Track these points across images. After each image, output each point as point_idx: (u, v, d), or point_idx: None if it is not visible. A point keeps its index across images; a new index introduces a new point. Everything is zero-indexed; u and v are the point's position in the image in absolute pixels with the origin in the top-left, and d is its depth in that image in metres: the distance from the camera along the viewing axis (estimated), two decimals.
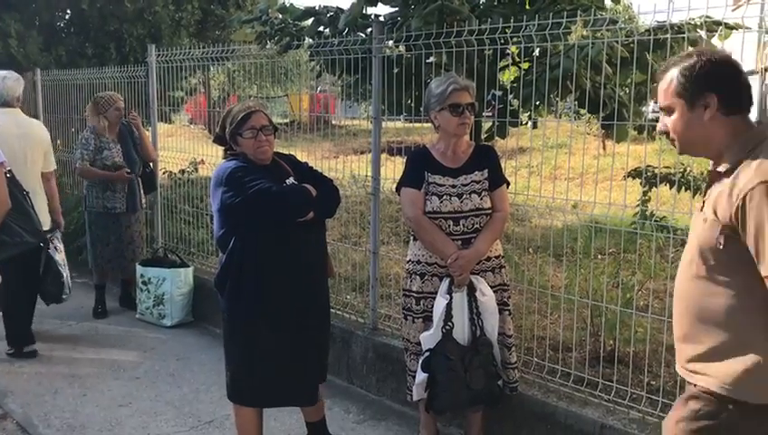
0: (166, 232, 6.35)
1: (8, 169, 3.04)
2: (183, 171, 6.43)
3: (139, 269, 5.62)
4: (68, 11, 10.04)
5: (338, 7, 4.66)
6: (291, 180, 3.01)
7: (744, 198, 1.70)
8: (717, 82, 1.83)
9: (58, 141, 8.40)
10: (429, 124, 3.36)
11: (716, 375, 1.81)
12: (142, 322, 5.58)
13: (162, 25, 9.51)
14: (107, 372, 4.56)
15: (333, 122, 6.46)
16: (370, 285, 4.34)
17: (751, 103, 1.90)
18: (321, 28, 4.65)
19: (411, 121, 5.00)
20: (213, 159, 5.77)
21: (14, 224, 2.98)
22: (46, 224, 4.50)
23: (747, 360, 1.77)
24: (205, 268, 5.85)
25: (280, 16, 4.78)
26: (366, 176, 4.35)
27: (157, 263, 5.62)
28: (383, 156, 4.34)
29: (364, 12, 4.44)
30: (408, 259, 3.34)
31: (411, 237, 3.35)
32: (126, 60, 8.93)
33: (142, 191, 5.93)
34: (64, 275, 4.78)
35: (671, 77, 1.87)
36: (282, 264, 2.92)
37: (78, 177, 5.82)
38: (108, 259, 5.76)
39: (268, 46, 4.86)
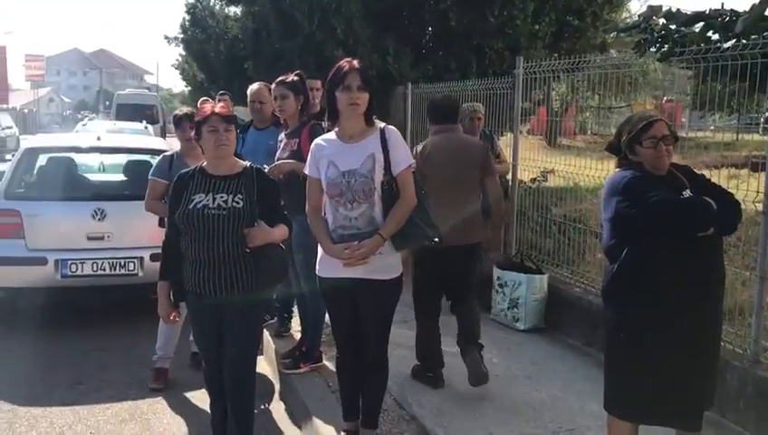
0: (518, 238, 6.53)
1: (413, 169, 3.39)
2: (534, 180, 6.56)
3: (496, 272, 5.87)
4: (430, 28, 10.94)
5: (732, 10, 4.31)
6: (687, 192, 2.86)
7: None
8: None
9: (419, 147, 9.20)
10: None
11: None
12: (495, 322, 5.81)
13: (521, 38, 9.82)
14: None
15: (680, 134, 6.03)
16: (754, 312, 3.94)
17: (443, 120, 4.49)
18: (709, 33, 4.35)
19: None
20: (562, 168, 5.84)
21: (416, 218, 3.32)
22: None
23: None
24: (557, 277, 5.89)
25: (661, 23, 4.58)
26: (756, 193, 3.94)
27: (513, 267, 5.81)
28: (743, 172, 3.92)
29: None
30: None
31: None
32: (485, 73, 9.42)
33: None
34: None
35: None
36: (675, 279, 2.79)
37: None
38: None
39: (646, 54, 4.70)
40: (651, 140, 2.86)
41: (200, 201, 3.25)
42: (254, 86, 5.24)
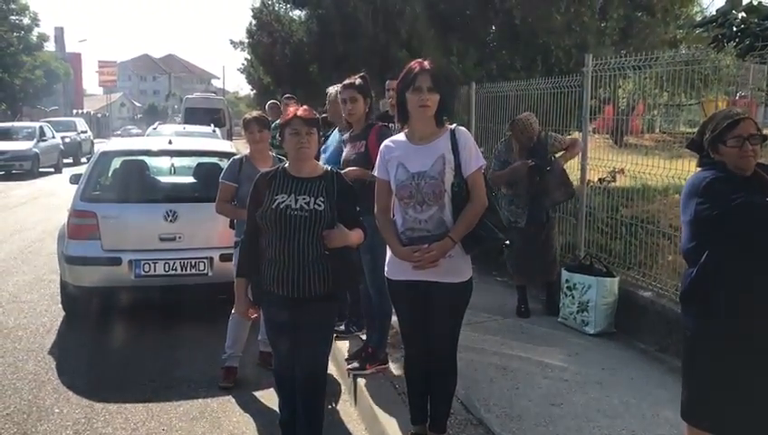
0: (586, 240, 6.38)
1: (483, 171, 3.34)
2: (602, 180, 6.40)
3: (565, 274, 5.75)
4: (493, 27, 10.81)
5: None
6: None
7: None
8: None
9: (481, 148, 9.10)
10: None
11: None
12: (564, 326, 5.70)
13: (588, 35, 9.61)
14: (535, 369, 4.75)
15: None
16: None
17: None
18: None
19: None
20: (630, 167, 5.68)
21: (487, 220, 3.26)
22: None
23: None
24: (628, 280, 5.73)
25: (741, 17, 4.40)
26: None
27: (583, 270, 5.68)
28: None
29: None
30: None
31: None
32: (551, 71, 9.25)
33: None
34: None
35: None
36: (759, 287, 2.65)
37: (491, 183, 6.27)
38: (514, 267, 6.16)
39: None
40: (736, 139, 2.72)
41: (283, 201, 3.28)
42: None
